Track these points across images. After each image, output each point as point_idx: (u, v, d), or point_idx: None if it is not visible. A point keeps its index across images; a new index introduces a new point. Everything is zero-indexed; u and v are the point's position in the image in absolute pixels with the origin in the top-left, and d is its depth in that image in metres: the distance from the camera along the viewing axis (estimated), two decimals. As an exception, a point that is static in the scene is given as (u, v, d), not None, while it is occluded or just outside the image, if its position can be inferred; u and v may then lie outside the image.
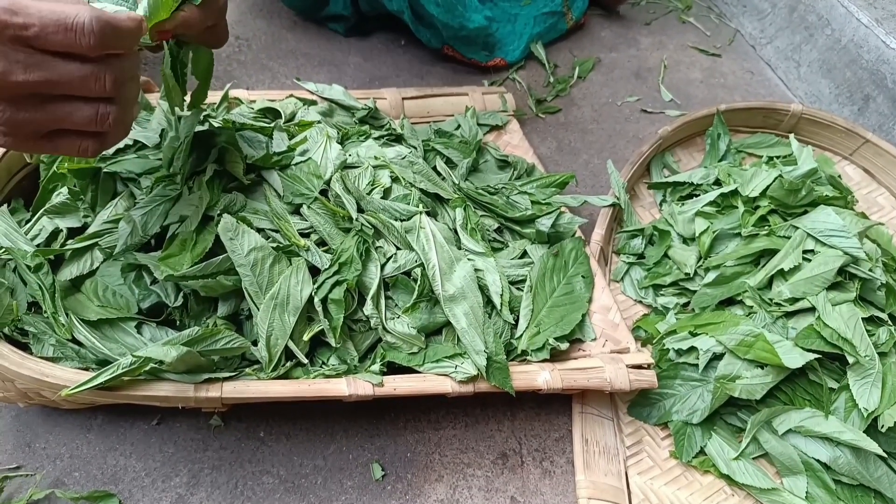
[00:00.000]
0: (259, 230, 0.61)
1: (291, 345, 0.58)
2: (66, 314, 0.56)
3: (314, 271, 0.61)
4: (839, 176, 0.88)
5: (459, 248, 0.68)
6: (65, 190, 0.64)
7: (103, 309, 0.58)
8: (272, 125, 0.73)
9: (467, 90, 0.95)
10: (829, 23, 1.05)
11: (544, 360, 0.65)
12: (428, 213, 0.68)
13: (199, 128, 0.66)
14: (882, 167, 0.90)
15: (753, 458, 0.66)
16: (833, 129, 0.92)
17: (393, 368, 0.61)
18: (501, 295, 0.66)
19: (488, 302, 0.66)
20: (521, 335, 0.66)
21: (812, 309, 0.68)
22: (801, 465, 0.64)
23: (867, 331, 0.66)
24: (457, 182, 0.77)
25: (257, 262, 0.58)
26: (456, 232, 0.70)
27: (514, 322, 0.67)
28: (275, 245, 0.61)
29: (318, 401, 0.57)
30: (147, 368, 0.52)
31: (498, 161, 0.85)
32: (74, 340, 0.56)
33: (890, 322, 0.69)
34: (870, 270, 0.70)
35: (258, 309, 0.57)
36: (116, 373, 0.50)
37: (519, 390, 0.61)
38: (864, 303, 0.69)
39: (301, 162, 0.68)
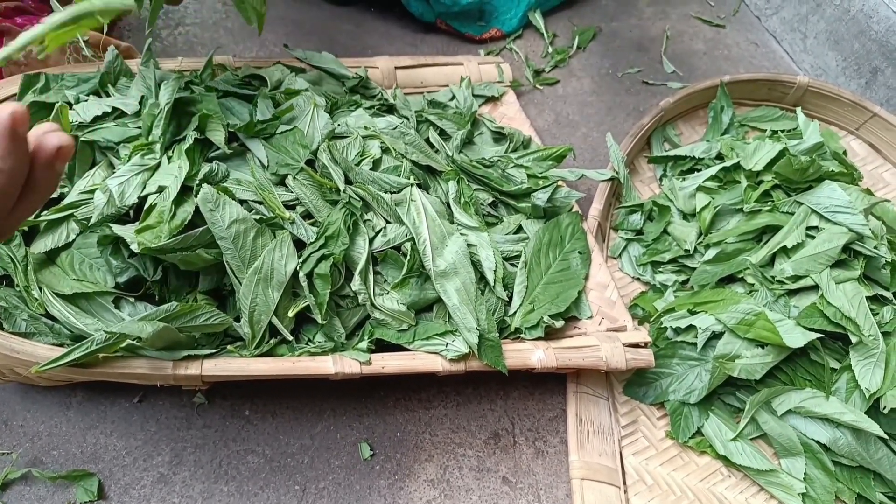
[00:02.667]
0: (241, 201, 0.58)
1: (276, 321, 0.56)
2: (40, 288, 0.54)
3: (299, 245, 0.59)
4: (844, 152, 0.85)
5: (452, 223, 0.65)
6: (40, 159, 0.62)
7: (79, 283, 0.55)
8: (257, 92, 0.70)
9: (462, 60, 0.92)
10: (838, -8, 1.01)
11: (538, 339, 0.63)
12: (419, 186, 0.66)
13: (179, 94, 0.63)
14: (889, 142, 0.88)
15: (751, 439, 0.65)
16: (839, 103, 0.89)
17: (382, 346, 0.59)
18: (495, 271, 0.64)
19: (481, 278, 0.64)
20: (515, 312, 0.64)
21: (815, 287, 0.66)
22: (799, 447, 0.63)
23: (871, 310, 0.64)
24: (450, 154, 0.74)
25: (239, 235, 0.56)
26: (448, 205, 0.67)
27: (507, 299, 0.64)
28: (258, 217, 0.58)
29: (305, 379, 0.55)
30: (123, 345, 0.50)
31: (493, 133, 0.83)
32: (48, 315, 0.54)
33: (895, 301, 0.67)
34: (875, 248, 0.68)
35: (240, 283, 0.55)
36: (90, 349, 0.48)
37: (512, 369, 0.59)
38: (869, 281, 0.68)
39: (287, 131, 0.65)
